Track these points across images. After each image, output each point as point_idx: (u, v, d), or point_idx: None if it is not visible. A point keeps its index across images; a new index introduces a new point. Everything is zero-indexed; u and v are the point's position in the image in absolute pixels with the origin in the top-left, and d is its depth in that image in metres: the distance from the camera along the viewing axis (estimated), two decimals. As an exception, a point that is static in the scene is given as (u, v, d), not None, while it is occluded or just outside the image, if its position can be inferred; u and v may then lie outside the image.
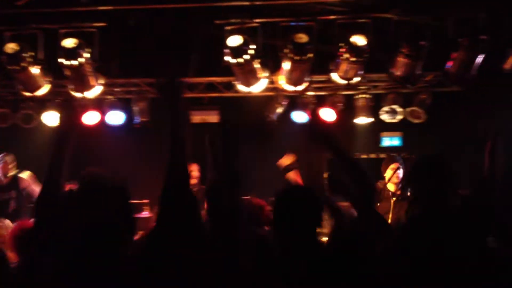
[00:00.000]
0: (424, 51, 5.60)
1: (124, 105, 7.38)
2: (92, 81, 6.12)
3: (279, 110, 7.42)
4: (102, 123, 7.28)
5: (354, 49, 5.62)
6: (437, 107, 7.25)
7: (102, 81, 6.30)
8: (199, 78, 7.29)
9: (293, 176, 4.46)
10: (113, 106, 7.31)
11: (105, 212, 2.66)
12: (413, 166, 2.93)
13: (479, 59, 5.64)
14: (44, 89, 6.42)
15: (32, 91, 6.37)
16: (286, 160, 4.56)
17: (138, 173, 6.83)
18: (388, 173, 5.67)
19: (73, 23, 5.82)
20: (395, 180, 5.60)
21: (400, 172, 5.63)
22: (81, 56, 5.74)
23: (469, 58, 5.64)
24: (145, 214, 6.63)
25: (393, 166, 5.65)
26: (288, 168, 4.51)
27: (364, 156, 7.79)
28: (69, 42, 5.70)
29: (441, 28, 5.83)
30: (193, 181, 6.26)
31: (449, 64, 5.81)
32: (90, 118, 7.18)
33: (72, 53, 5.72)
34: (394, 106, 7.19)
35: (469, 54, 5.62)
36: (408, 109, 7.20)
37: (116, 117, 7.24)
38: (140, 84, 7.42)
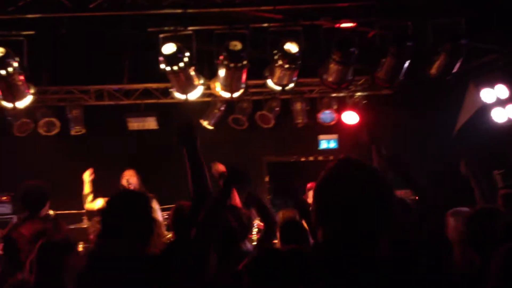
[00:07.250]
0: (355, 57, 5.76)
1: (57, 113, 7.22)
2: (22, 90, 5.93)
3: (217, 115, 7.48)
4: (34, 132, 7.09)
5: (287, 56, 5.71)
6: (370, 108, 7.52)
7: (33, 90, 6.11)
8: (135, 85, 7.22)
9: None
10: (46, 114, 7.13)
11: None
12: None
13: (406, 64, 5.86)
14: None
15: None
16: (221, 167, 4.53)
17: (74, 183, 6.67)
18: None
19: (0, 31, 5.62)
20: None
21: None
22: (9, 66, 5.55)
23: (397, 64, 5.84)
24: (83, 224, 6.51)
25: None
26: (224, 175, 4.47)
27: (303, 159, 7.94)
28: (-4, 51, 5.50)
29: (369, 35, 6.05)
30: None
31: (378, 69, 5.99)
32: (24, 128, 6.99)
33: (-1, 63, 5.53)
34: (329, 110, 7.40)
35: (397, 60, 5.82)
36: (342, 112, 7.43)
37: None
38: (73, 91, 7.27)
